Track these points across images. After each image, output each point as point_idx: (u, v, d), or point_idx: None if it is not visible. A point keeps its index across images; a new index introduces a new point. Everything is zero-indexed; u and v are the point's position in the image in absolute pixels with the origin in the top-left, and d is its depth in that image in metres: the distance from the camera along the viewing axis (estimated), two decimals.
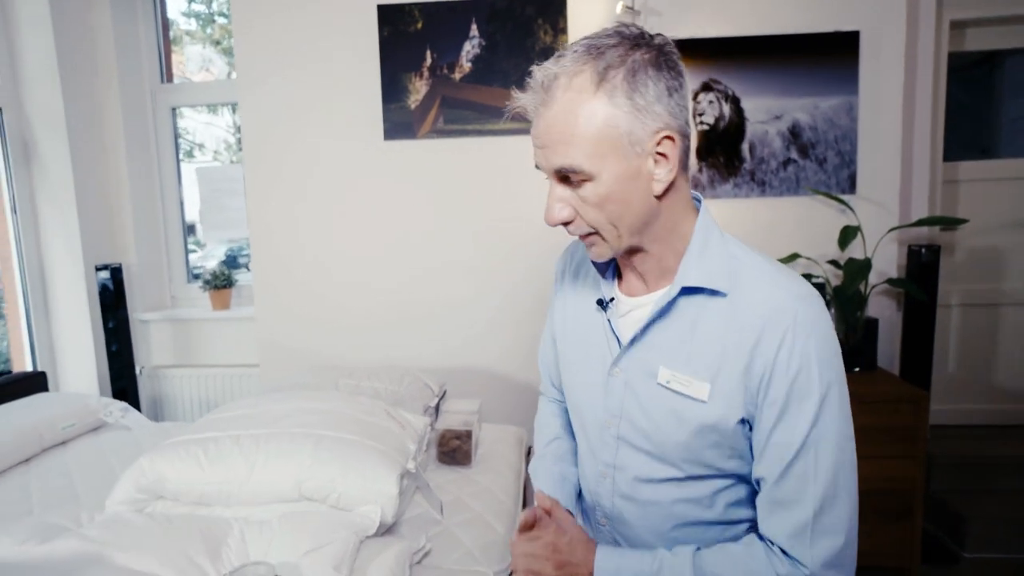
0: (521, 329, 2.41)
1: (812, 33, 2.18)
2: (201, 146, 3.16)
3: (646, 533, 0.83)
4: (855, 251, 2.19)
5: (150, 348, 2.87)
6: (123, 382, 2.65)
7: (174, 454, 1.29)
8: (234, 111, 3.06)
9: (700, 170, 2.25)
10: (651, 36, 0.70)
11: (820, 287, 2.09)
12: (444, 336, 2.46)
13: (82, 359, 2.64)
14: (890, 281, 2.14)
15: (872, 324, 2.11)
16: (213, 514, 1.27)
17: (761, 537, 0.74)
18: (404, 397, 1.87)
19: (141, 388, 2.77)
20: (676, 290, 0.74)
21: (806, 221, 2.27)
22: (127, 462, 1.49)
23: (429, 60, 2.32)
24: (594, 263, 0.84)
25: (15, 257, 2.53)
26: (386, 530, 1.31)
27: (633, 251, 0.77)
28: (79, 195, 2.54)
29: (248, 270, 3.05)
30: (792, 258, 2.16)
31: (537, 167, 0.73)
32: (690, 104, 0.78)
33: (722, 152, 2.24)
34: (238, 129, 2.78)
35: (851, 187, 2.23)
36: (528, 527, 0.81)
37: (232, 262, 3.25)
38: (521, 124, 2.30)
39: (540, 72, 0.69)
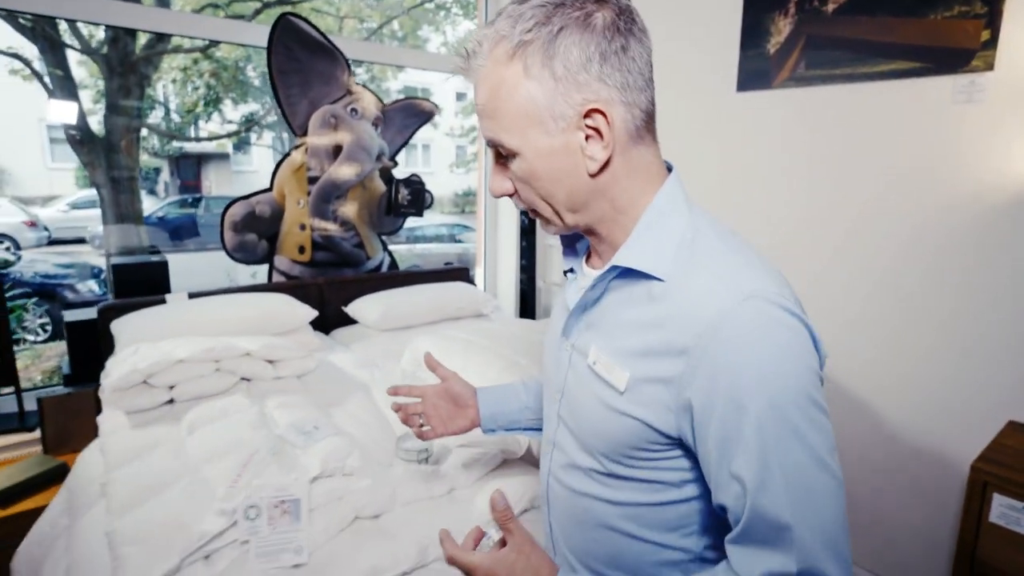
0: (916, 330, 1.76)
1: None
2: None
3: (570, 525, 0.77)
4: None
5: (551, 266, 3.61)
6: (525, 289, 3.48)
7: (432, 340, 1.79)
8: None
9: None
10: None
11: None
12: None
13: (509, 268, 3.58)
14: None
15: None
16: None
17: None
18: None
19: (538, 296, 3.56)
20: (608, 269, 0.67)
21: None
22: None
23: None
24: (562, 236, 0.78)
25: (483, 192, 3.60)
26: None
27: (588, 231, 0.71)
28: None
29: None
30: None
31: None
32: (644, 68, 0.64)
33: None
34: None
35: None
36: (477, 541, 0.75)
37: None
38: (911, 63, 1.72)
39: (469, 40, 0.64)
